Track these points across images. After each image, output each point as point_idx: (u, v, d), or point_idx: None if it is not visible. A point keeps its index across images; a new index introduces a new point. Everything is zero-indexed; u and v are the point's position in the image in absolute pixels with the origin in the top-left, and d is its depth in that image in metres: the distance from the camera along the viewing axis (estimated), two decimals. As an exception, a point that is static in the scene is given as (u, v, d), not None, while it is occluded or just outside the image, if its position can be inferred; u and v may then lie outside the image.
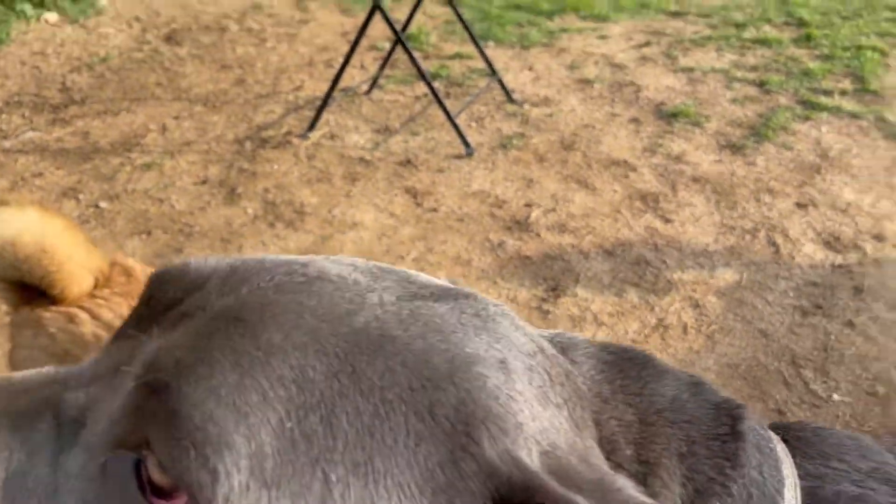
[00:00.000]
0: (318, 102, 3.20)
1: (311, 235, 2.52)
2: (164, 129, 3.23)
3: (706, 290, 2.26)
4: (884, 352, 2.03)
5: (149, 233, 2.53)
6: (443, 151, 3.04)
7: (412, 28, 3.85)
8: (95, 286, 1.31)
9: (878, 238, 2.46)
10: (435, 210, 2.67)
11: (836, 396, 1.91)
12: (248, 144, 3.09)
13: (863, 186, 2.74)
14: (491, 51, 3.95)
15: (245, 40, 4.21)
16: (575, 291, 2.27)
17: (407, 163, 2.94)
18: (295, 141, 3.09)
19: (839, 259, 2.39)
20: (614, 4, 4.67)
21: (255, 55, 4.01)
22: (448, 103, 3.29)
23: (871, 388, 1.94)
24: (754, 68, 3.72)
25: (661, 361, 0.56)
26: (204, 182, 2.82)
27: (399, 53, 3.82)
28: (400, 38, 2.98)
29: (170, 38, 4.22)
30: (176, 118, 3.33)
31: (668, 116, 3.29)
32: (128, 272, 1.34)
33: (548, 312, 2.19)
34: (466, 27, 3.39)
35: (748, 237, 2.50)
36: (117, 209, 2.66)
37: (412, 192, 2.76)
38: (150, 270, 1.37)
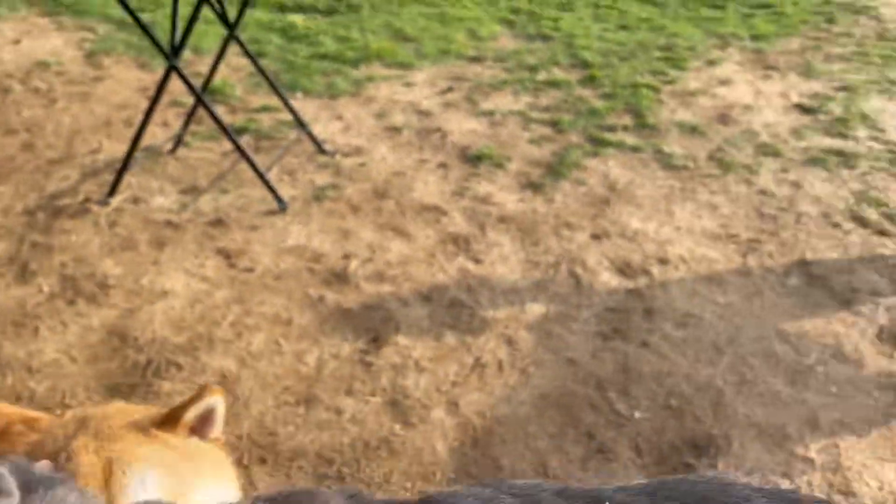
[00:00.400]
0: (118, 165, 3.05)
1: (116, 310, 2.38)
2: (-62, 204, 2.93)
3: (518, 325, 2.40)
4: (674, 367, 2.26)
5: (-76, 324, 2.28)
6: (255, 208, 3.00)
7: (216, 81, 3.78)
8: None
9: (662, 262, 2.73)
10: (250, 270, 2.63)
11: (637, 414, 2.09)
12: (40, 215, 2.88)
13: (646, 215, 3.03)
14: (299, 102, 3.96)
15: (32, 101, 3.93)
16: (396, 340, 2.32)
17: (218, 223, 2.87)
18: (94, 208, 2.92)
19: (631, 284, 2.62)
20: (417, 52, 4.86)
21: (44, 117, 3.75)
22: (258, 158, 3.25)
23: (667, 402, 2.14)
24: (547, 109, 4.01)
25: (322, 491, 0.62)
26: (-11, 261, 2.59)
27: (203, 110, 3.74)
28: (200, 98, 2.92)
29: (-59, 102, 3.84)
30: (-47, 191, 3.03)
31: (474, 159, 3.47)
32: None
33: (371, 364, 2.22)
34: (269, 80, 3.39)
35: (551, 271, 2.68)
36: None
37: (225, 253, 2.70)
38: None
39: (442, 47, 4.92)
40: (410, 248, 2.79)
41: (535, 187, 3.23)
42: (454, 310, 2.46)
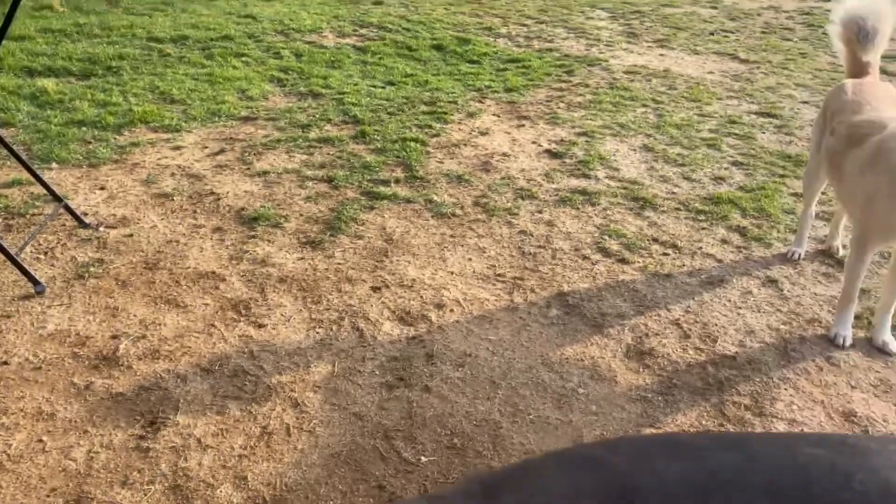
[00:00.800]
0: None
1: None
2: None
3: (304, 386, 2.41)
4: (455, 407, 2.39)
5: None
6: (8, 293, 2.75)
7: (-49, 158, 3.43)
8: None
9: (439, 306, 2.89)
10: (5, 363, 2.40)
11: (423, 458, 2.18)
12: None
13: (422, 262, 3.19)
14: (55, 173, 3.71)
15: None
16: (176, 420, 2.23)
17: (-39, 315, 2.59)
18: None
19: (412, 331, 2.74)
20: (185, 114, 4.75)
21: None
22: (9, 237, 3.00)
23: (451, 442, 2.25)
24: (322, 165, 4.10)
25: None
26: None
27: (-62, 187, 3.36)
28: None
29: None
30: None
31: (250, 221, 3.44)
32: None
33: (148, 450, 2.11)
34: (14, 153, 3.14)
35: (335, 327, 2.73)
36: None
37: (-28, 349, 2.44)
38: None
39: (211, 108, 4.85)
40: (187, 320, 2.70)
41: (314, 244, 3.28)
42: (237, 379, 2.42)
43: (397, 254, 3.25)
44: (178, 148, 4.24)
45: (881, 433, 2.33)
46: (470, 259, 3.23)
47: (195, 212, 3.52)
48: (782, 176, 4.15)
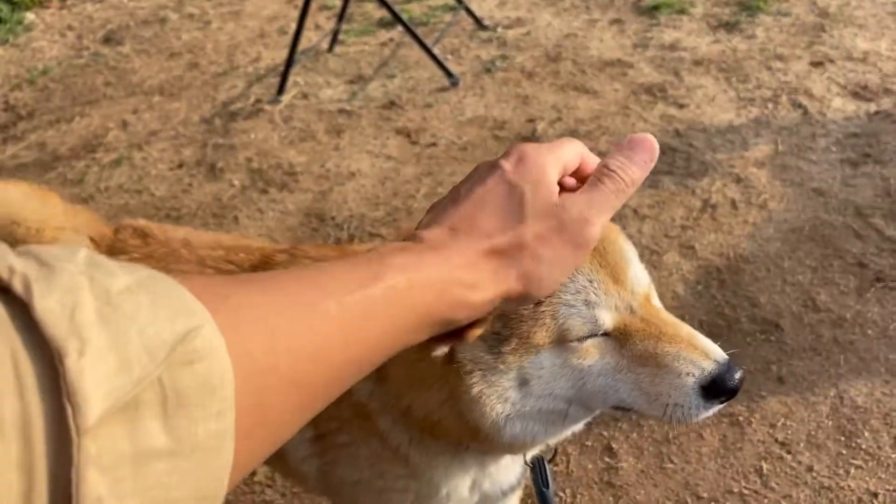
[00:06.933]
0: (280, 69, 2.98)
1: (310, 193, 2.31)
2: (124, 125, 2.99)
3: (744, 163, 2.10)
4: (950, 184, 1.88)
5: (133, 226, 2.31)
6: (426, 87, 2.83)
7: (362, -24, 3.62)
8: (97, 248, 1.11)
9: (907, 78, 2.30)
10: (434, 144, 2.48)
11: (915, 237, 1.76)
12: (217, 121, 2.86)
13: (874, 34, 2.58)
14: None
15: (188, 26, 3.95)
16: (605, 192, 2.09)
17: (391, 105, 2.73)
18: (267, 107, 2.87)
19: (873, 107, 2.23)
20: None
21: (202, 38, 3.76)
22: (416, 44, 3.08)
23: (948, 222, 1.79)
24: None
25: None
26: (180, 166, 2.60)
27: (353, 7, 3.59)
28: (357, -25, 2.76)
29: (109, 40, 3.95)
30: (134, 112, 3.08)
31: (650, 10, 3.10)
32: (143, 234, 1.13)
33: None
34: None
35: (771, 105, 2.33)
36: (94, 209, 2.43)
37: (405, 132, 2.56)
38: (169, 229, 1.17)
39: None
40: (600, 104, 2.52)
41: (729, 26, 2.84)
42: (666, 156, 2.19)
43: (837, 27, 2.67)
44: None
45: None
46: (943, 25, 2.52)
47: (588, 7, 3.28)
48: None
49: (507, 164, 0.52)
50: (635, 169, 0.54)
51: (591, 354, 0.66)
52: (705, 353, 0.65)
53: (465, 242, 0.49)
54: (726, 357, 0.65)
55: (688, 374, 0.64)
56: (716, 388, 0.63)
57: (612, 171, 0.54)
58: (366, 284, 0.43)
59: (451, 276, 0.47)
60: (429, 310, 0.46)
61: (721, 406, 0.65)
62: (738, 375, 0.64)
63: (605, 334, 0.66)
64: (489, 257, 0.49)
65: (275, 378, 0.37)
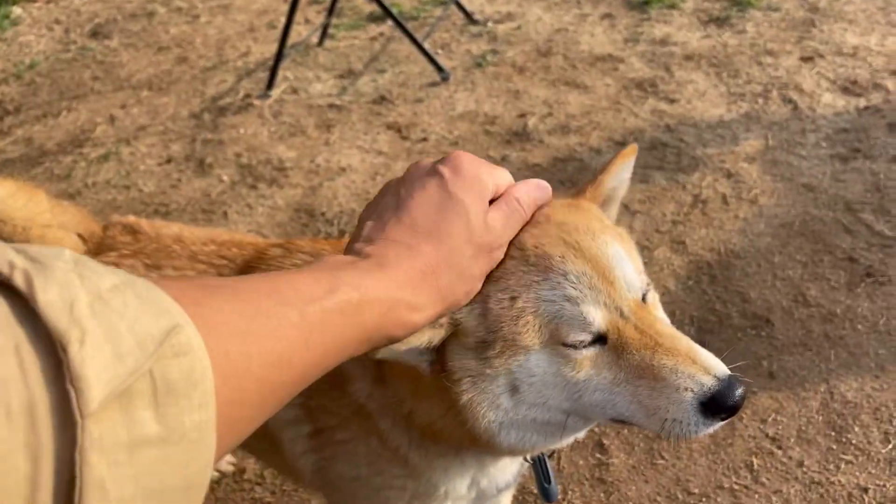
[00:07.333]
0: (270, 64, 2.96)
1: (300, 189, 2.30)
2: (112, 119, 2.96)
3: (735, 158, 2.10)
4: (939, 180, 1.89)
5: (121, 222, 2.29)
6: (416, 82, 2.82)
7: (351, -30, 3.60)
8: (86, 245, 1.09)
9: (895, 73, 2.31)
10: (424, 139, 2.47)
11: (904, 232, 1.76)
12: (206, 116, 2.84)
13: (864, 29, 2.58)
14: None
15: (177, 20, 3.92)
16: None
17: (382, 100, 2.72)
18: (256, 102, 2.85)
19: (862, 102, 2.23)
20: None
21: (191, 32, 3.73)
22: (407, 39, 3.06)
23: (937, 217, 1.79)
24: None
25: None
26: (169, 161, 2.58)
27: (343, 1, 3.57)
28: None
29: (96, 34, 3.91)
30: (122, 107, 3.06)
31: (641, 6, 3.10)
32: (132, 230, 1.12)
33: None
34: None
35: (761, 100, 2.33)
36: (82, 205, 2.40)
37: (395, 127, 2.55)
38: (159, 225, 1.16)
39: None
40: (591, 99, 2.52)
41: (719, 21, 2.84)
42: (657, 151, 2.19)
43: (827, 22, 2.67)
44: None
45: None
46: (932, 20, 2.53)
47: (579, 2, 3.27)
48: None
49: (446, 172, 0.56)
50: (534, 198, 0.64)
51: (586, 367, 0.65)
52: (705, 369, 0.63)
53: (406, 261, 0.54)
54: (728, 372, 0.63)
55: (686, 388, 0.62)
56: (716, 406, 0.62)
57: (517, 198, 0.61)
58: (322, 297, 0.47)
59: (396, 295, 0.52)
60: (376, 325, 0.51)
61: (722, 423, 0.64)
62: (739, 392, 0.62)
63: (602, 342, 0.65)
64: (428, 277, 0.54)
65: (248, 377, 0.41)
